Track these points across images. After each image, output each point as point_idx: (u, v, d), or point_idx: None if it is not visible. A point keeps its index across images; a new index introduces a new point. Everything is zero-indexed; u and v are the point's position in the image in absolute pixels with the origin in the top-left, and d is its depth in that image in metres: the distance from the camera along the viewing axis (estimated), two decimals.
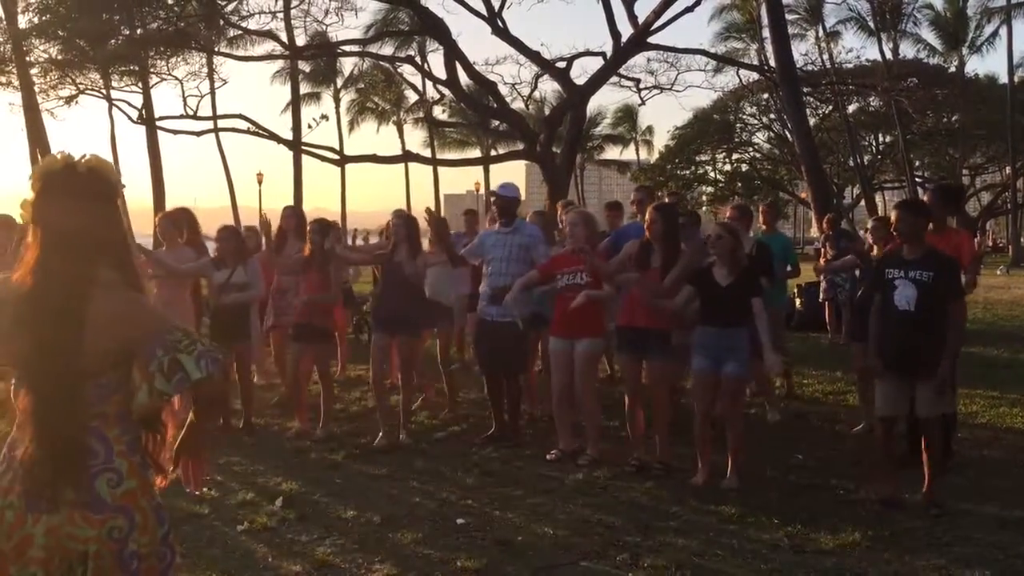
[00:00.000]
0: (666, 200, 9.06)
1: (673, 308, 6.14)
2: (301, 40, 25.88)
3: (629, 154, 66.67)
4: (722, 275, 6.00)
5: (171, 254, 7.81)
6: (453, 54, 17.83)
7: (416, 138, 66.43)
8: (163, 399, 2.27)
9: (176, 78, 31.80)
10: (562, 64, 18.95)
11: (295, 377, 7.69)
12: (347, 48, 23.97)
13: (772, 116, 49.71)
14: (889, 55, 44.00)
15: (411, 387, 7.63)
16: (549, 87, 44.45)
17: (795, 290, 12.69)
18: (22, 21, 22.60)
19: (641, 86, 22.46)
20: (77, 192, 2.32)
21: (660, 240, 6.36)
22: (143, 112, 30.62)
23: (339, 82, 54.17)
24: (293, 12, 23.41)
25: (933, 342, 5.34)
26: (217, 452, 6.86)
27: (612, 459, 6.56)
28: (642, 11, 18.12)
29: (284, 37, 22.80)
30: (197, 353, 2.25)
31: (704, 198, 55.69)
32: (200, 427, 2.49)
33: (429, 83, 26.12)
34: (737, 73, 35.42)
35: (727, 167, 55.55)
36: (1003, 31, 43.65)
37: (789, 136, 41.41)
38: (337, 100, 55.16)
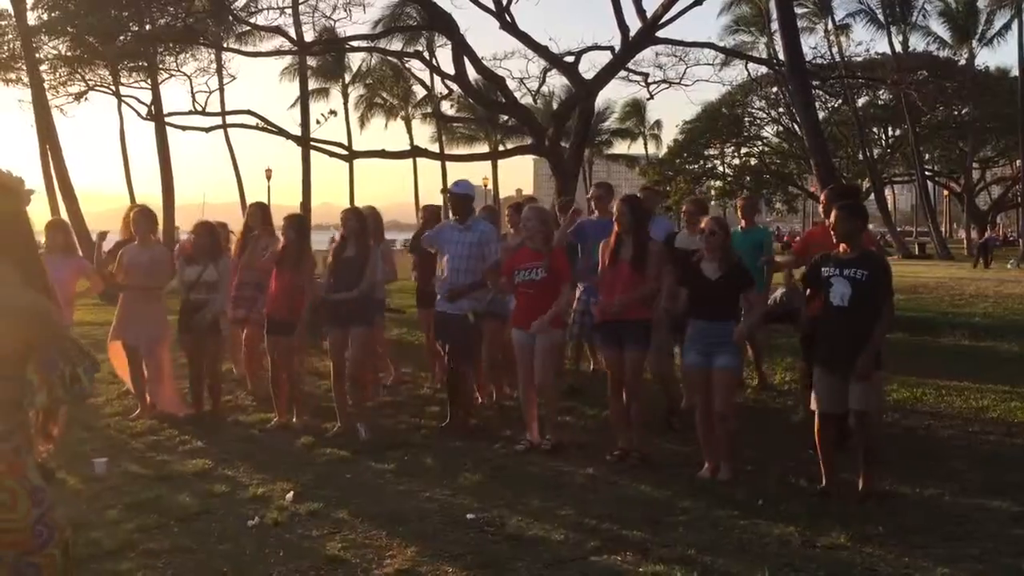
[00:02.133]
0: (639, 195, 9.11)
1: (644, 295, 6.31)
2: (309, 36, 25.90)
3: (637, 148, 66.63)
4: (711, 269, 6.06)
5: (142, 250, 7.94)
6: (461, 49, 17.80)
7: (424, 133, 66.40)
8: (58, 404, 2.55)
9: (185, 74, 31.82)
10: (570, 58, 18.92)
11: (275, 371, 7.76)
12: (355, 44, 23.94)
13: (781, 110, 49.52)
14: (899, 48, 43.88)
15: (367, 380, 7.78)
16: (557, 82, 44.56)
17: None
18: (31, 18, 22.70)
19: (649, 80, 22.38)
20: None
21: (629, 232, 6.45)
22: (152, 108, 30.60)
23: (347, 78, 54.26)
24: (301, 8, 23.39)
25: (863, 338, 5.45)
26: (227, 448, 6.91)
27: (591, 447, 6.70)
28: (650, 5, 18.07)
29: (292, 33, 22.78)
30: (85, 367, 2.54)
31: (713, 192, 55.57)
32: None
33: (437, 78, 26.18)
34: (746, 67, 35.34)
35: (736, 161, 55.38)
36: (1014, 24, 43.37)
37: (798, 130, 41.26)
38: (345, 96, 55.26)
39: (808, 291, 5.92)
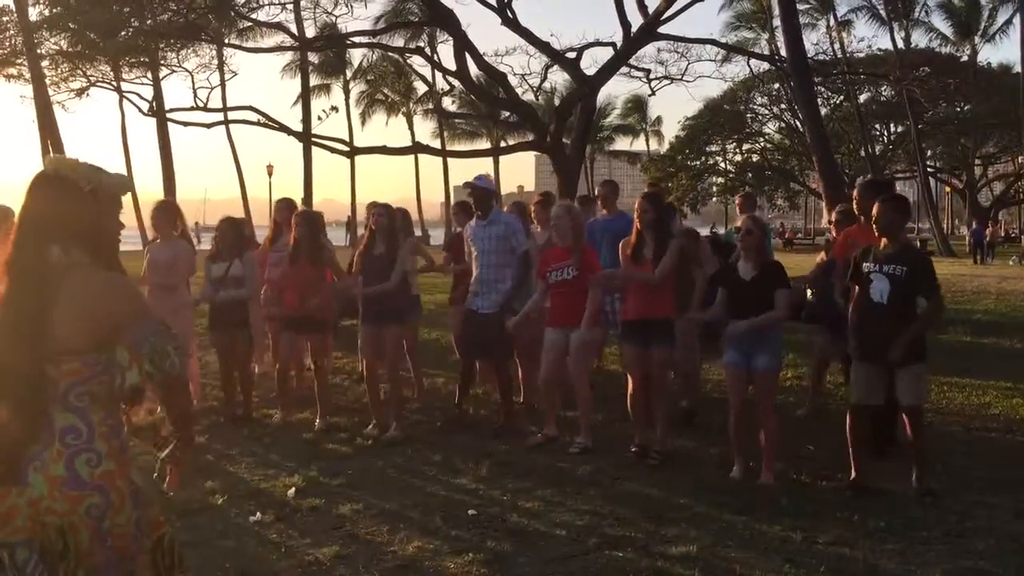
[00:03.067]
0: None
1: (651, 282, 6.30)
2: (311, 32, 25.89)
3: (639, 145, 66.67)
4: (746, 269, 6.01)
5: (165, 246, 7.82)
6: (463, 45, 17.80)
7: (426, 129, 66.55)
8: (151, 380, 2.43)
9: (186, 70, 31.97)
10: (572, 55, 18.92)
11: (284, 367, 7.73)
12: (357, 40, 23.94)
13: (783, 106, 49.56)
14: (901, 44, 43.83)
15: (399, 379, 7.63)
16: (559, 78, 44.52)
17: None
18: (33, 14, 22.68)
19: (651, 76, 22.37)
20: (41, 186, 2.52)
21: (651, 228, 6.42)
22: (154, 104, 30.72)
23: (349, 74, 54.23)
24: (303, 3, 23.43)
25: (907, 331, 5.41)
26: (230, 443, 6.91)
27: (615, 449, 6.61)
28: (652, 1, 18.07)
29: (294, 29, 22.79)
30: (174, 344, 2.45)
31: (714, 189, 55.57)
32: (181, 434, 2.64)
33: (439, 74, 26.14)
34: (748, 63, 35.36)
35: (738, 158, 55.42)
36: (1016, 20, 43.32)
37: (800, 126, 41.31)
38: (347, 92, 55.27)
39: (848, 287, 5.84)
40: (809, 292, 8.74)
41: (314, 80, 48.72)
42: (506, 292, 7.27)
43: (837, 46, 41.46)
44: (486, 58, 18.71)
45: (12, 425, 2.35)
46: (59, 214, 2.47)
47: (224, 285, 7.69)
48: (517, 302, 7.29)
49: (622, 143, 65.49)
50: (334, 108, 25.04)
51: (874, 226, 5.63)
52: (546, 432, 6.88)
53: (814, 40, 39.45)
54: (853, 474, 5.63)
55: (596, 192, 8.78)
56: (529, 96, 23.17)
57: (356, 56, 51.34)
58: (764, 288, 5.92)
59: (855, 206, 7.01)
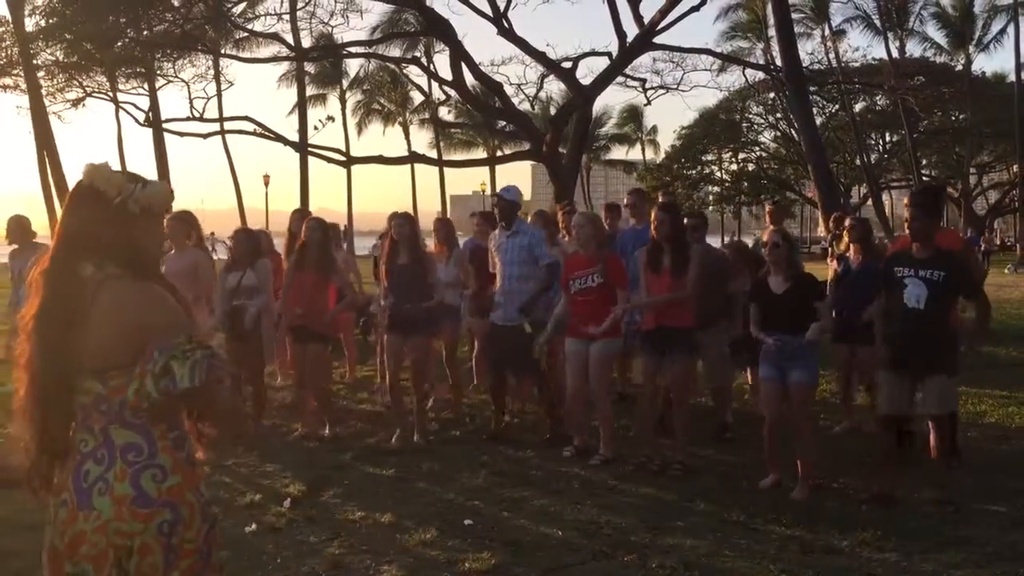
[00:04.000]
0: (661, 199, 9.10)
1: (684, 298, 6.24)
2: (307, 42, 25.95)
3: (635, 154, 66.71)
4: (777, 283, 5.94)
5: (180, 257, 7.80)
6: (459, 55, 17.84)
7: (422, 139, 66.47)
8: (148, 400, 2.28)
9: (183, 80, 31.97)
10: (568, 64, 18.98)
11: (300, 380, 7.65)
12: (353, 50, 24.00)
13: (778, 115, 49.71)
14: (896, 53, 44.04)
15: (424, 389, 7.59)
16: (555, 87, 44.49)
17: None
18: (29, 24, 22.70)
19: (647, 86, 22.46)
20: (73, 199, 2.46)
21: (668, 240, 6.38)
22: (150, 114, 30.73)
23: (345, 84, 54.32)
24: (299, 14, 23.46)
25: (941, 340, 5.35)
26: (224, 454, 6.89)
27: (625, 459, 6.59)
28: (647, 11, 18.14)
29: (290, 39, 22.84)
30: (191, 361, 2.26)
31: (710, 198, 55.68)
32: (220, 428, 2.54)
33: (435, 84, 26.15)
34: (743, 72, 35.44)
35: (733, 167, 55.58)
36: (1010, 29, 43.58)
37: (795, 135, 41.39)
38: (343, 102, 55.31)
39: (879, 293, 5.78)
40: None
41: (310, 90, 48.83)
42: (530, 298, 7.12)
43: (832, 55, 41.69)
44: (482, 68, 18.79)
45: (40, 440, 2.31)
46: (90, 228, 2.40)
47: (238, 295, 7.58)
48: (538, 312, 7.16)
49: (618, 152, 65.62)
50: (330, 118, 25.14)
51: (908, 231, 5.52)
52: (577, 444, 6.80)
53: (809, 50, 39.79)
54: (878, 486, 5.56)
55: (624, 200, 8.69)
56: (525, 106, 23.18)
57: (353, 66, 51.54)
58: (797, 301, 5.83)
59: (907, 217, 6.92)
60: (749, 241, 11.25)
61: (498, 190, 7.72)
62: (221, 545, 2.59)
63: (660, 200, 9.33)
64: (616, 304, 6.59)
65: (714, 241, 8.89)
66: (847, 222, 8.00)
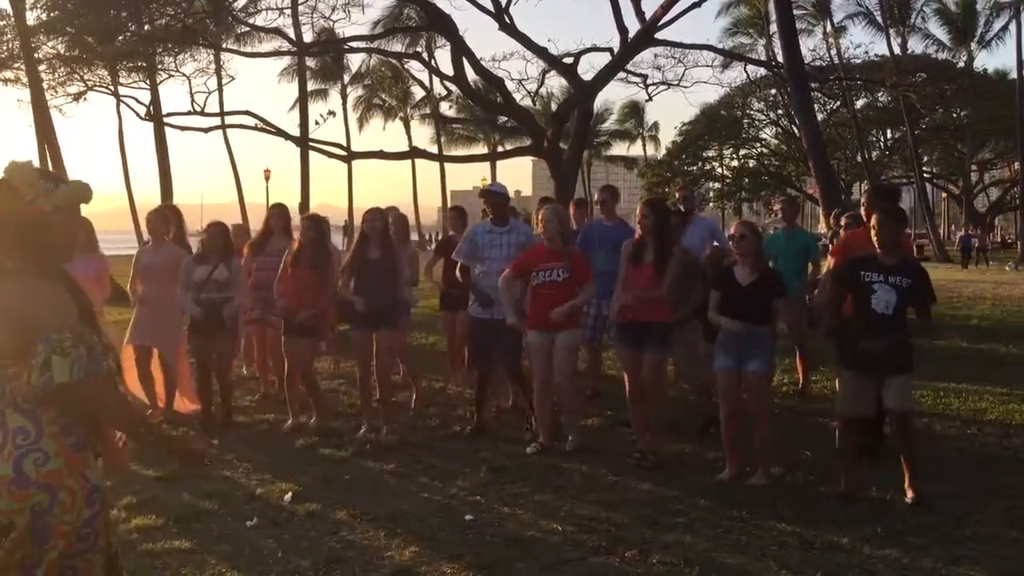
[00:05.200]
0: (677, 195, 9.16)
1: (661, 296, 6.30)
2: (308, 37, 25.89)
3: (636, 150, 66.70)
4: (744, 274, 6.02)
5: (160, 251, 7.85)
6: (460, 50, 17.80)
7: (423, 134, 66.51)
8: (35, 392, 2.43)
9: (184, 74, 31.83)
10: (569, 60, 18.92)
11: (291, 373, 7.67)
12: (354, 45, 23.94)
13: (780, 112, 49.65)
14: (897, 50, 43.90)
15: (391, 382, 7.68)
16: (556, 83, 44.59)
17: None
18: (30, 18, 22.64)
19: (648, 82, 22.38)
20: None
21: (652, 235, 6.44)
22: (151, 108, 30.70)
23: (346, 79, 54.28)
24: (300, 8, 23.38)
25: (903, 342, 5.47)
26: (226, 448, 6.91)
27: (612, 453, 6.64)
28: (649, 6, 18.09)
29: (291, 34, 22.79)
30: (72, 358, 2.41)
31: (711, 194, 55.64)
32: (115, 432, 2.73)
33: (436, 79, 26.13)
34: (744, 69, 35.28)
35: (734, 163, 55.51)
36: (1012, 26, 43.48)
37: (797, 132, 41.35)
38: (344, 97, 55.30)
39: (838, 293, 5.82)
40: (809, 299, 8.77)
41: (312, 85, 48.73)
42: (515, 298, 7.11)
43: (834, 52, 41.59)
44: (483, 63, 18.70)
45: None
46: (1, 223, 2.54)
47: (206, 288, 7.60)
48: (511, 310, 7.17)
49: (619, 148, 65.66)
50: (331, 113, 25.05)
51: (875, 237, 5.58)
52: (542, 442, 6.84)
53: (811, 46, 39.64)
54: (843, 485, 5.64)
55: (595, 197, 8.79)
56: (526, 101, 23.13)
57: (354, 61, 51.50)
58: (761, 294, 5.95)
59: (864, 212, 7.02)
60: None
61: (485, 186, 7.76)
62: (113, 532, 2.72)
63: (679, 193, 9.43)
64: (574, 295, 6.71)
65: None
66: (843, 218, 8.02)
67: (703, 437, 7.08)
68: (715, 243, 8.66)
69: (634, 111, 61.72)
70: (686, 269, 6.50)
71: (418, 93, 51.09)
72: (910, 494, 5.47)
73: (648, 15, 17.89)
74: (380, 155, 20.02)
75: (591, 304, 7.94)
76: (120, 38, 22.08)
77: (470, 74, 18.50)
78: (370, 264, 7.29)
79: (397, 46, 31.82)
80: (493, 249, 7.34)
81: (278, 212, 8.86)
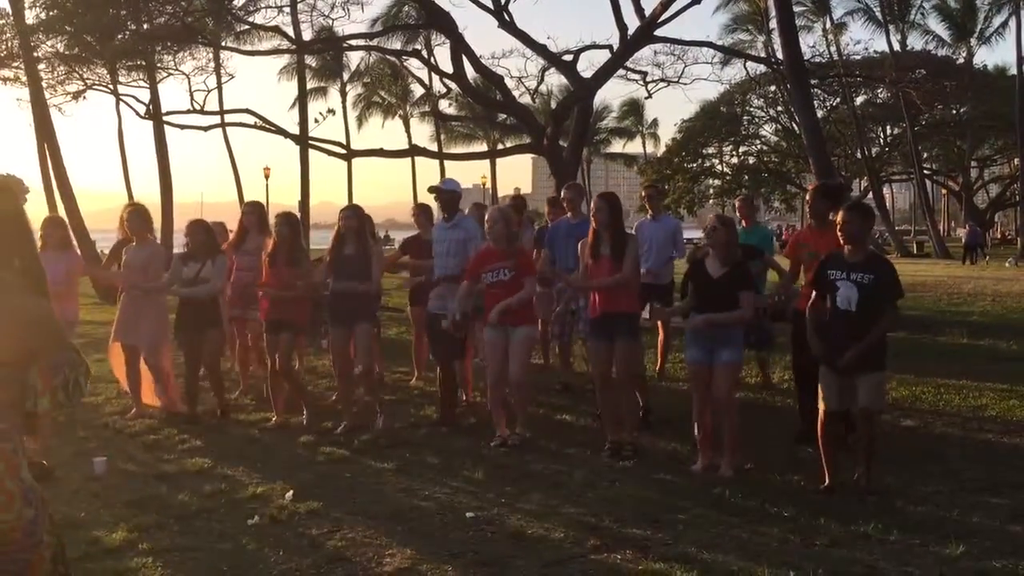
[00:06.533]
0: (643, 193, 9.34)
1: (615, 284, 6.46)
2: (308, 35, 25.90)
3: (635, 147, 66.69)
4: (715, 267, 6.11)
5: (142, 250, 7.96)
6: (459, 48, 17.82)
7: (423, 132, 66.45)
8: (61, 408, 2.55)
9: (183, 73, 31.72)
10: (569, 57, 18.93)
11: (275, 371, 7.70)
12: (354, 42, 23.97)
13: (779, 108, 49.58)
14: (897, 46, 43.84)
15: (374, 376, 7.84)
16: (556, 80, 44.41)
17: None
18: (29, 17, 22.63)
19: (648, 79, 22.37)
20: None
21: (606, 227, 6.56)
22: (150, 107, 30.61)
23: (346, 77, 54.19)
24: (300, 7, 23.38)
25: (872, 345, 5.46)
26: (226, 446, 6.91)
27: (591, 446, 6.74)
28: (648, 3, 18.14)
29: (291, 32, 22.79)
30: (82, 373, 2.58)
31: (711, 191, 55.61)
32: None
33: (436, 77, 26.13)
34: (744, 65, 35.40)
35: (734, 160, 55.45)
36: (1012, 22, 43.42)
37: (796, 128, 41.32)
38: (344, 95, 55.19)
39: (813, 292, 5.85)
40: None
41: (311, 83, 48.64)
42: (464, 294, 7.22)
43: (833, 48, 41.55)
44: (483, 61, 18.72)
45: None
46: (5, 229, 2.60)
47: (196, 286, 7.79)
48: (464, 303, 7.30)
49: (619, 145, 65.65)
50: (331, 111, 25.05)
51: (840, 234, 5.63)
52: (500, 435, 6.92)
53: (810, 42, 39.47)
54: (827, 480, 5.66)
55: (562, 195, 8.82)
56: (526, 99, 23.10)
57: (353, 59, 51.36)
58: (732, 286, 6.04)
59: (808, 209, 7.12)
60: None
61: (436, 183, 7.93)
62: (57, 527, 2.75)
63: (643, 193, 9.52)
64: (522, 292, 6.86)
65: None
66: (839, 216, 8.03)
67: (650, 428, 7.19)
68: (674, 249, 8.87)
69: (634, 108, 61.66)
70: (635, 251, 6.70)
71: (418, 91, 51.02)
72: (864, 485, 5.54)
73: (647, 12, 17.90)
74: (380, 153, 20.06)
75: (560, 300, 8.12)
76: (119, 36, 22.09)
77: (469, 72, 18.54)
78: (346, 260, 7.45)
79: (396, 44, 31.71)
80: (439, 244, 7.67)
81: (250, 209, 8.97)
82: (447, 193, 7.70)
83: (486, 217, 7.25)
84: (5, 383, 2.50)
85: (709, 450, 6.13)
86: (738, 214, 9.23)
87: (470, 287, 7.03)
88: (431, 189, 7.97)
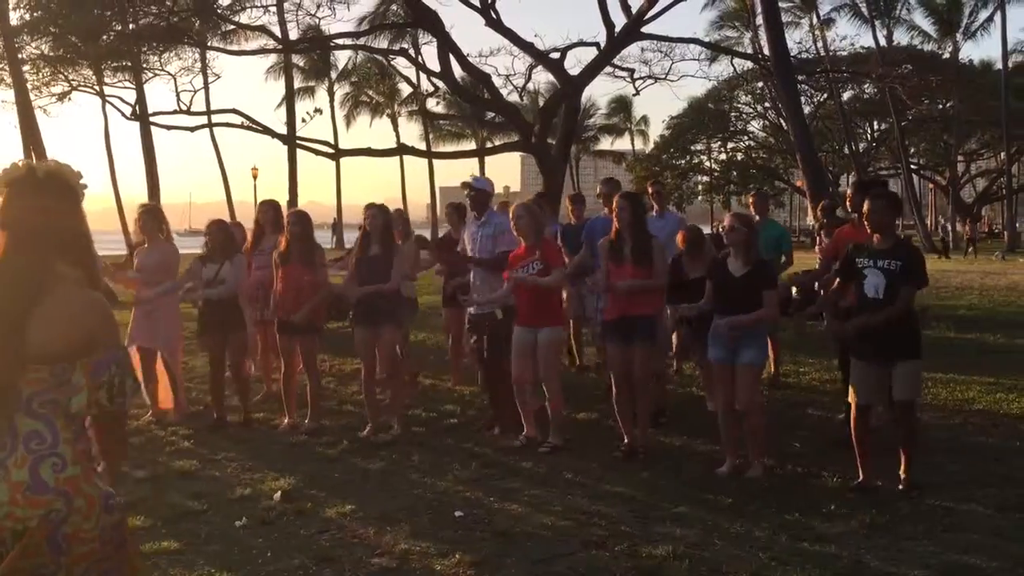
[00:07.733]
0: (649, 189, 9.23)
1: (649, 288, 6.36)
2: (294, 34, 25.83)
3: (624, 144, 66.71)
4: (736, 266, 6.03)
5: (154, 250, 7.83)
6: (446, 46, 17.77)
7: (411, 131, 66.36)
8: (100, 409, 2.41)
9: (169, 73, 31.56)
10: (556, 55, 18.89)
11: (288, 372, 7.63)
12: (340, 41, 23.89)
13: (767, 104, 49.74)
14: (883, 42, 44.06)
15: (399, 379, 7.62)
16: (543, 78, 44.40)
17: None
18: (13, 18, 22.50)
19: (635, 76, 22.34)
20: (36, 193, 2.46)
21: (628, 228, 6.45)
22: (136, 108, 30.50)
23: (333, 76, 54.11)
24: (286, 6, 23.29)
25: (904, 328, 5.45)
26: (215, 447, 6.89)
27: (601, 449, 6.64)
28: (635, 1, 18.09)
29: (277, 31, 22.72)
30: (131, 382, 2.46)
31: (699, 188, 55.75)
32: (110, 463, 2.63)
33: (423, 76, 26.07)
34: (731, 62, 35.39)
35: (722, 156, 55.59)
36: (997, 17, 43.72)
37: (784, 124, 41.45)
38: (331, 94, 55.11)
39: (840, 284, 5.83)
40: (795, 290, 8.80)
41: (298, 82, 48.64)
42: (503, 294, 7.10)
43: (820, 44, 41.70)
44: (470, 59, 18.66)
45: None
46: (48, 224, 2.45)
47: (216, 287, 7.67)
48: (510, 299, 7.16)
49: (607, 143, 65.59)
50: (318, 110, 24.88)
51: (866, 222, 5.64)
52: (527, 434, 6.85)
53: (797, 38, 39.76)
54: (861, 476, 5.60)
55: (597, 190, 8.72)
56: (514, 97, 23.04)
57: (341, 58, 51.34)
58: (753, 286, 5.94)
59: (849, 205, 7.06)
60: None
61: (468, 180, 7.76)
62: (130, 540, 2.62)
63: (650, 189, 9.41)
64: (558, 291, 6.79)
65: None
66: (820, 204, 8.04)
67: (709, 431, 7.09)
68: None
69: (622, 105, 61.68)
70: (663, 255, 6.58)
71: (405, 90, 50.97)
72: (904, 480, 5.49)
73: (634, 9, 17.90)
74: (368, 152, 19.97)
75: (597, 297, 7.96)
76: (104, 37, 21.97)
77: (457, 70, 18.47)
78: (371, 261, 7.28)
79: (383, 43, 31.65)
80: (473, 243, 7.47)
81: (266, 208, 8.83)
82: (478, 191, 7.53)
83: (511, 213, 7.10)
84: (64, 382, 2.39)
85: (735, 452, 6.03)
86: (752, 209, 9.21)
87: (510, 288, 6.88)
88: (464, 185, 7.81)
